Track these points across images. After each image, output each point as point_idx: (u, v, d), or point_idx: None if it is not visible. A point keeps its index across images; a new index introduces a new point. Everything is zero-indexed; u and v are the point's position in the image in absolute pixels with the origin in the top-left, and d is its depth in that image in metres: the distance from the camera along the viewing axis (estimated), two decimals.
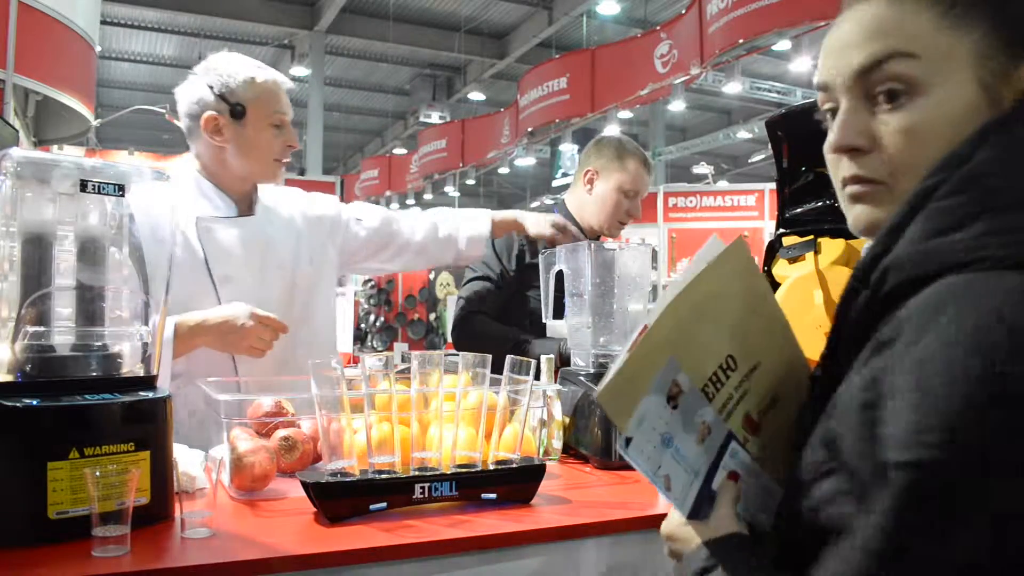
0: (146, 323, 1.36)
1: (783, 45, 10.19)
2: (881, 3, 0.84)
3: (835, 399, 0.79)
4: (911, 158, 0.82)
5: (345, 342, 7.18)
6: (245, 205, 2.12)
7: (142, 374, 1.34)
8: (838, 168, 0.90)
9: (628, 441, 0.83)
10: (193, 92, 2.03)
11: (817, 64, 0.91)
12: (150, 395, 1.29)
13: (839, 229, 2.03)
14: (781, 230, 2.12)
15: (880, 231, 0.82)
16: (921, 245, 0.76)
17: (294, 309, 2.13)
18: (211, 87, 2.00)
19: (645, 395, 0.83)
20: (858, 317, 0.81)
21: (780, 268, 2.03)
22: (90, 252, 1.31)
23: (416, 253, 2.42)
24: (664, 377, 0.84)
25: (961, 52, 0.81)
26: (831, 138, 0.89)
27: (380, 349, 13.08)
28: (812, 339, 1.96)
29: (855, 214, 0.89)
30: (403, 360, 1.48)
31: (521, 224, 2.40)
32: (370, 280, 15.15)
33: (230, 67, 2.03)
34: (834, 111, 0.90)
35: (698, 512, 0.90)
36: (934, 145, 0.81)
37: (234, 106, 1.98)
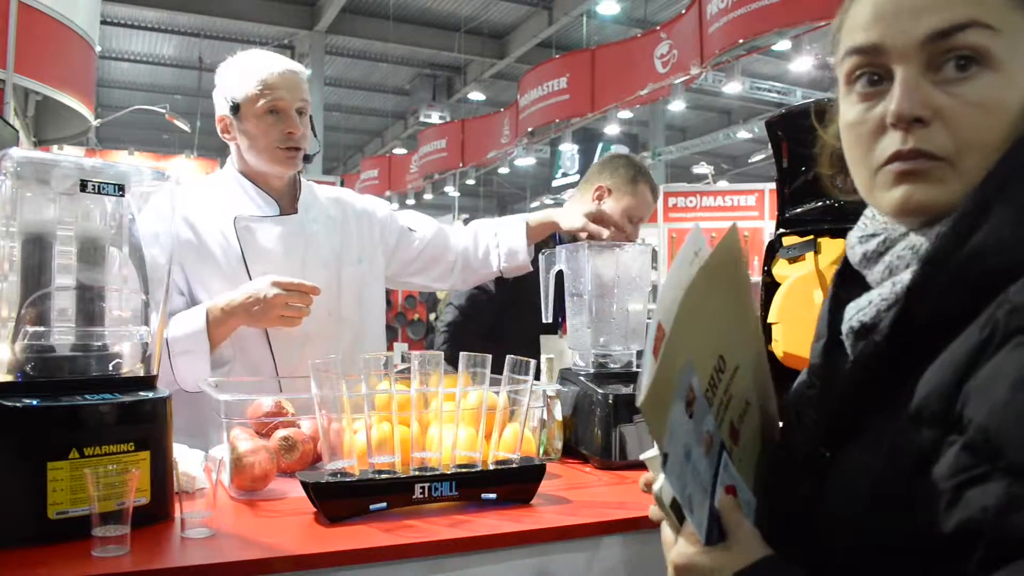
0: (146, 323, 1.36)
1: (783, 45, 10.19)
2: None
3: (966, 395, 0.70)
4: (982, 134, 0.76)
5: None
6: (287, 203, 2.11)
7: (142, 374, 1.34)
8: (878, 143, 0.82)
9: (665, 459, 0.74)
10: (215, 101, 2.07)
11: (861, 27, 0.81)
12: (150, 395, 1.29)
13: (839, 229, 2.03)
14: (781, 230, 2.12)
15: (956, 213, 0.76)
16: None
17: (342, 308, 2.12)
18: (217, 90, 2.05)
19: (671, 403, 0.74)
20: (940, 302, 0.75)
21: (780, 268, 2.03)
22: (90, 252, 1.31)
23: (463, 270, 2.37)
24: (683, 382, 0.75)
25: None
26: (891, 107, 0.79)
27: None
28: (812, 339, 1.96)
29: (903, 193, 0.80)
30: (403, 360, 1.48)
31: (556, 223, 2.34)
32: None
33: (229, 67, 2.05)
34: (874, 76, 0.82)
35: (711, 535, 0.80)
36: (1006, 124, 0.76)
37: (232, 103, 2.00)
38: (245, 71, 2.01)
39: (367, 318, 2.20)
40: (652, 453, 0.94)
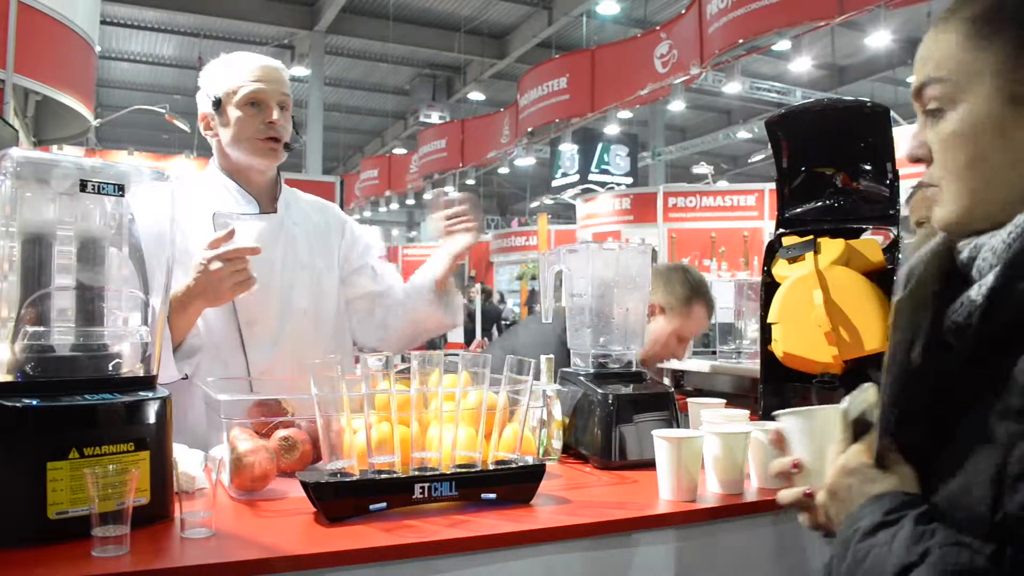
0: (146, 323, 1.36)
1: (783, 45, 10.20)
2: (929, 33, 0.97)
3: None
4: (953, 161, 0.94)
5: None
6: (266, 202, 2.11)
7: (142, 374, 1.34)
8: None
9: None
10: (198, 102, 2.09)
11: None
12: (150, 395, 1.29)
13: (839, 229, 2.04)
14: (781, 230, 2.12)
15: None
16: None
17: (319, 310, 2.13)
18: (200, 92, 2.07)
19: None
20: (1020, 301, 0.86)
21: (780, 268, 2.04)
22: (90, 252, 1.31)
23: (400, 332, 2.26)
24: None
25: (985, 67, 0.91)
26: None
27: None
28: (812, 339, 1.97)
29: (933, 216, 0.99)
30: (403, 360, 1.48)
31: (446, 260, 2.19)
32: None
33: (211, 67, 2.08)
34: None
35: (879, 460, 0.97)
36: (963, 151, 0.93)
37: (214, 99, 2.03)
38: (226, 68, 2.04)
39: (341, 326, 2.21)
40: None
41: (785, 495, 1.08)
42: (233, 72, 2.02)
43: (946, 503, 0.88)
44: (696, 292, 2.51)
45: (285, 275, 2.04)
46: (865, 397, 1.04)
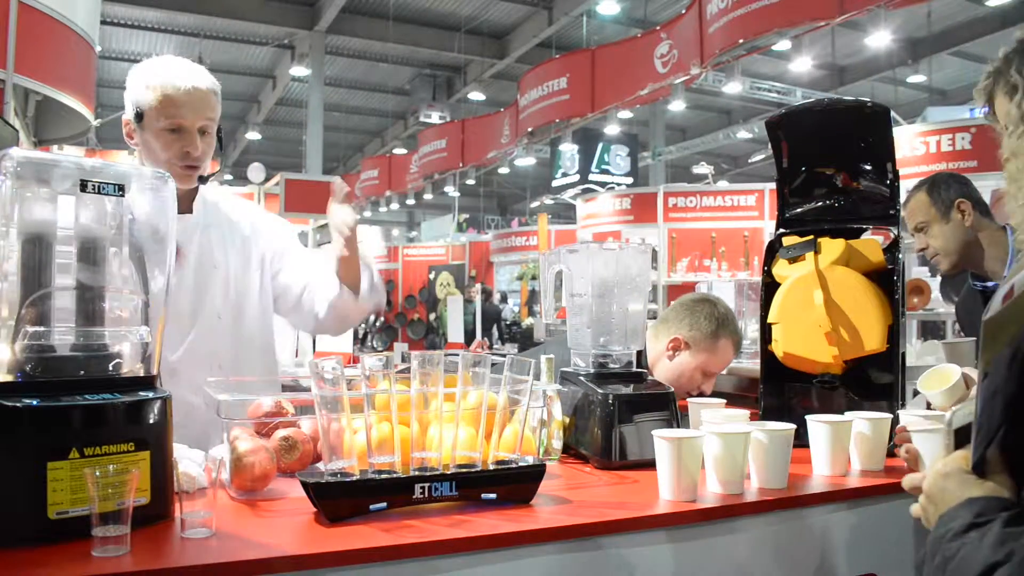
0: (146, 323, 1.36)
1: (783, 45, 10.18)
2: None
3: None
4: None
5: (345, 342, 7.19)
6: (184, 204, 2.06)
7: (142, 374, 1.34)
8: None
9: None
10: (124, 99, 2.05)
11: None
12: (150, 395, 1.29)
13: (839, 229, 2.04)
14: (781, 230, 2.12)
15: None
16: None
17: (231, 310, 2.14)
18: (127, 90, 2.03)
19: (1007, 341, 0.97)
20: None
21: (780, 268, 2.04)
22: (90, 252, 1.31)
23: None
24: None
25: None
26: None
27: (380, 349, 13.09)
28: (813, 338, 1.97)
29: None
30: (403, 360, 1.48)
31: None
32: None
33: (142, 72, 2.03)
34: None
35: (977, 467, 0.99)
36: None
37: (137, 111, 2.00)
38: (151, 82, 1.98)
39: (265, 325, 2.21)
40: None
41: (914, 508, 1.09)
42: (158, 90, 1.97)
43: None
44: (721, 324, 2.39)
45: (198, 275, 2.05)
46: (969, 409, 1.06)
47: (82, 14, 5.94)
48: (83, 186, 1.26)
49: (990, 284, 2.59)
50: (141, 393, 1.29)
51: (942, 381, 1.82)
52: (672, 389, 1.84)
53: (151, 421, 1.27)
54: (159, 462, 1.27)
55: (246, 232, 2.22)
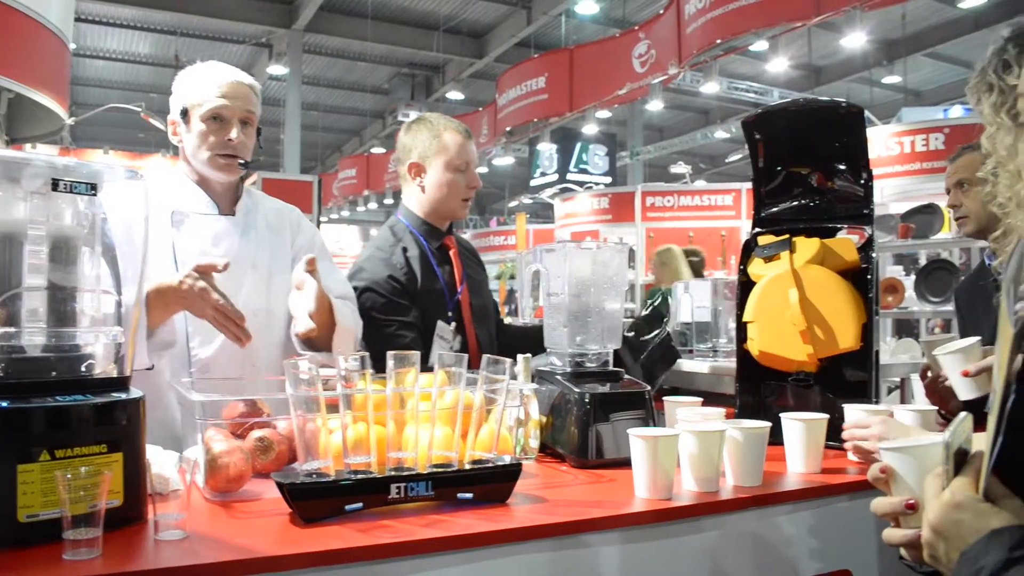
0: (119, 323, 1.35)
1: (760, 46, 10.27)
2: None
3: None
4: None
5: None
6: (226, 205, 2.18)
7: (115, 375, 1.32)
8: None
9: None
10: (170, 105, 2.15)
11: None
12: (123, 396, 1.28)
13: (814, 228, 2.05)
14: (757, 229, 2.14)
15: None
16: None
17: (269, 311, 2.16)
18: (173, 96, 2.14)
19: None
20: None
21: (756, 267, 2.05)
22: (62, 252, 1.29)
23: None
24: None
25: None
26: None
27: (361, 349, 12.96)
28: (788, 337, 1.99)
29: None
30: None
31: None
32: None
33: (185, 75, 2.14)
34: None
35: (986, 493, 0.95)
36: None
37: (182, 108, 2.11)
38: (197, 79, 2.11)
39: (281, 327, 2.21)
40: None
41: (894, 536, 1.04)
42: (201, 85, 2.09)
43: None
44: (434, 124, 2.56)
45: (236, 275, 2.05)
46: (964, 427, 1.01)
47: (56, 11, 5.87)
48: (55, 185, 1.25)
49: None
50: (114, 394, 1.27)
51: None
52: (648, 388, 1.85)
53: (123, 423, 1.26)
54: (132, 464, 1.26)
55: (285, 235, 2.28)
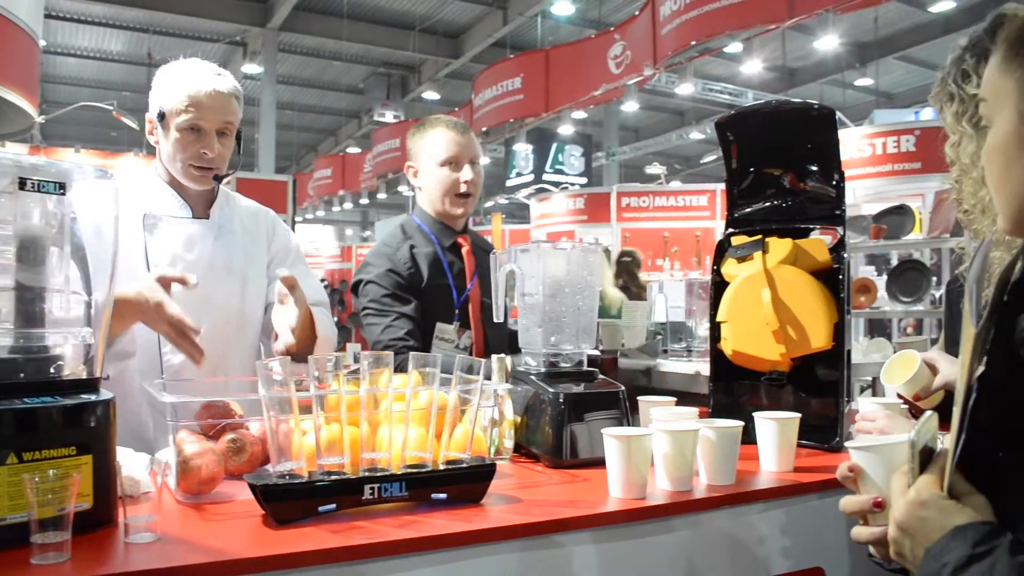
0: (88, 324, 1.33)
1: (735, 47, 10.33)
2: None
3: None
4: (988, 174, 1.03)
5: None
6: (200, 208, 2.15)
7: (85, 376, 1.31)
8: None
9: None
10: (149, 101, 2.10)
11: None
12: (92, 398, 1.26)
13: (786, 228, 2.07)
14: (730, 229, 2.15)
15: None
16: None
17: (243, 317, 2.15)
18: (152, 92, 2.09)
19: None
20: None
21: (729, 267, 2.06)
22: (30, 252, 1.28)
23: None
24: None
25: (1010, 88, 0.98)
26: None
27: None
28: (761, 337, 2.00)
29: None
30: (356, 360, 1.47)
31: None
32: (323, 280, 15.02)
33: (165, 73, 2.08)
34: None
35: (950, 489, 0.97)
36: (994, 164, 1.00)
37: (159, 111, 2.05)
38: (176, 82, 2.04)
39: (253, 331, 2.20)
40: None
41: (862, 534, 1.06)
42: (180, 91, 2.02)
43: None
44: (423, 123, 2.65)
45: (210, 279, 2.04)
46: (929, 426, 1.03)
47: (25, 7, 5.79)
48: (22, 184, 1.23)
49: None
50: (83, 396, 1.26)
51: (904, 366, 1.86)
52: (623, 387, 1.86)
53: (92, 424, 1.24)
54: (102, 466, 1.24)
55: (260, 238, 2.25)
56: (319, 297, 2.27)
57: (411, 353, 1.47)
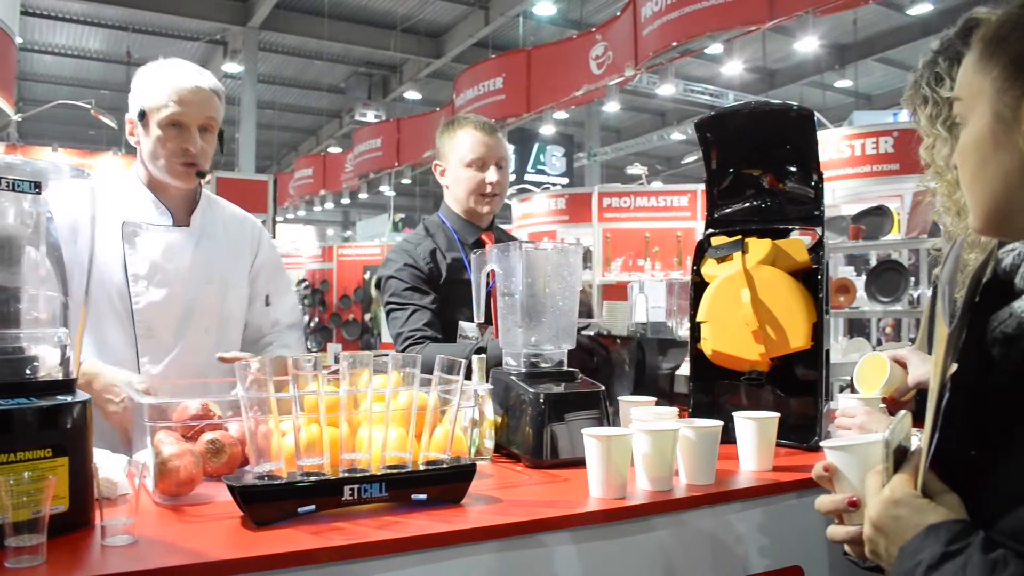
0: (64, 325, 1.32)
1: (715, 49, 10.38)
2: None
3: None
4: (961, 173, 1.02)
5: None
6: (182, 215, 2.12)
7: (60, 377, 1.30)
8: None
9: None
10: (129, 102, 2.09)
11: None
12: (68, 399, 1.25)
13: (766, 229, 2.08)
14: (710, 230, 2.16)
15: None
16: None
17: (221, 326, 2.14)
18: (132, 92, 2.07)
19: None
20: None
21: (709, 267, 2.07)
22: (5, 251, 1.26)
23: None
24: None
25: (985, 88, 0.98)
26: None
27: (314, 350, 12.91)
28: (740, 337, 2.01)
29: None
30: (336, 361, 1.47)
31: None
32: (304, 280, 14.96)
33: (145, 72, 2.07)
34: None
35: (924, 488, 0.98)
36: (967, 164, 1.00)
37: (140, 110, 2.03)
38: (157, 80, 2.03)
39: (232, 338, 2.20)
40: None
41: (837, 533, 1.07)
42: (160, 88, 2.01)
43: (1012, 525, 0.87)
44: (451, 123, 2.76)
45: (190, 289, 2.03)
46: (903, 425, 1.03)
47: (1, 4, 5.73)
48: None
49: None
50: (59, 397, 1.25)
51: (874, 369, 1.87)
52: (603, 388, 1.86)
53: (69, 426, 1.23)
54: (78, 468, 1.23)
55: (244, 247, 2.23)
56: (293, 319, 2.28)
57: (391, 353, 1.47)
